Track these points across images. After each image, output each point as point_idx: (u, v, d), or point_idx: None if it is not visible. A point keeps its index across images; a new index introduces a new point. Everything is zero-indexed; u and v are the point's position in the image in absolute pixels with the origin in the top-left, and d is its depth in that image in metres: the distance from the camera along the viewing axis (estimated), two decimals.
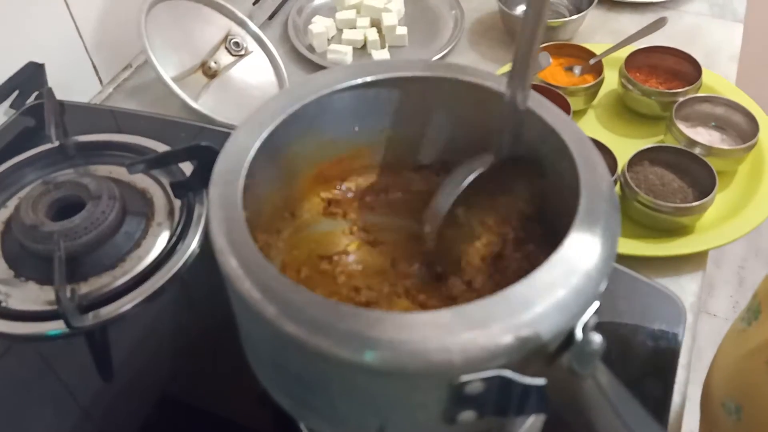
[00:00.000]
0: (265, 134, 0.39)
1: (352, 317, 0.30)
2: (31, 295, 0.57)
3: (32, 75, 0.77)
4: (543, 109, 0.40)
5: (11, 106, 0.77)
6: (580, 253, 0.32)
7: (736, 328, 0.62)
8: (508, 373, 0.29)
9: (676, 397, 0.53)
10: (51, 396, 0.51)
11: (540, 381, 0.29)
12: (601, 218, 0.34)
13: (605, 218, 0.34)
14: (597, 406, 0.27)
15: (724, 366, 0.59)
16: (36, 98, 0.78)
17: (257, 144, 0.39)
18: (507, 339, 0.29)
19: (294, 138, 0.43)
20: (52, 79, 0.79)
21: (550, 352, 0.29)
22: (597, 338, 0.27)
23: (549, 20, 0.92)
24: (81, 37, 0.84)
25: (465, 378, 0.29)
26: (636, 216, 0.67)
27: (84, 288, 0.57)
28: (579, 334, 0.29)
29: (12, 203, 0.65)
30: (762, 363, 0.52)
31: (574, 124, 0.39)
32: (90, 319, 0.54)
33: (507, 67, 0.83)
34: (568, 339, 0.30)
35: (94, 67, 0.87)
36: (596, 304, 0.31)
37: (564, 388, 0.28)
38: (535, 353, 0.29)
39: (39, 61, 0.78)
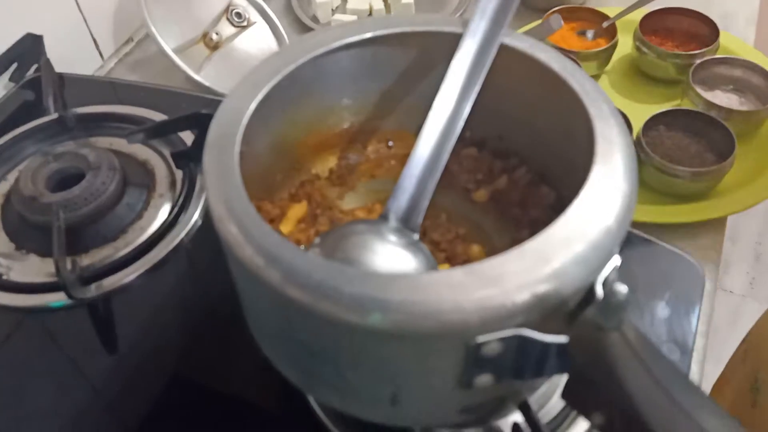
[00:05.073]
0: (260, 96, 0.37)
1: (360, 280, 0.29)
2: (33, 268, 0.56)
3: (31, 47, 0.75)
4: (553, 61, 0.38)
5: (10, 79, 0.76)
6: (598, 204, 0.30)
7: None
8: (527, 332, 0.28)
9: (693, 366, 0.51)
10: (55, 367, 0.51)
11: (562, 338, 0.28)
12: (618, 167, 0.32)
13: (623, 167, 0.32)
14: (625, 362, 0.25)
15: None
16: (35, 71, 0.77)
17: (252, 106, 0.37)
18: (524, 296, 0.27)
19: (291, 101, 0.41)
20: (52, 55, 0.77)
21: (570, 309, 0.28)
22: (623, 289, 0.25)
23: None
24: (80, 10, 0.82)
25: (481, 339, 0.28)
26: (651, 182, 0.65)
27: (85, 260, 0.56)
28: (599, 289, 0.27)
29: (12, 176, 0.64)
30: None
31: (585, 73, 0.37)
32: (92, 290, 0.53)
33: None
34: (588, 295, 0.28)
35: (95, 41, 0.85)
36: (617, 259, 0.29)
37: (588, 345, 0.26)
38: (555, 310, 0.28)
39: (37, 33, 0.76)
